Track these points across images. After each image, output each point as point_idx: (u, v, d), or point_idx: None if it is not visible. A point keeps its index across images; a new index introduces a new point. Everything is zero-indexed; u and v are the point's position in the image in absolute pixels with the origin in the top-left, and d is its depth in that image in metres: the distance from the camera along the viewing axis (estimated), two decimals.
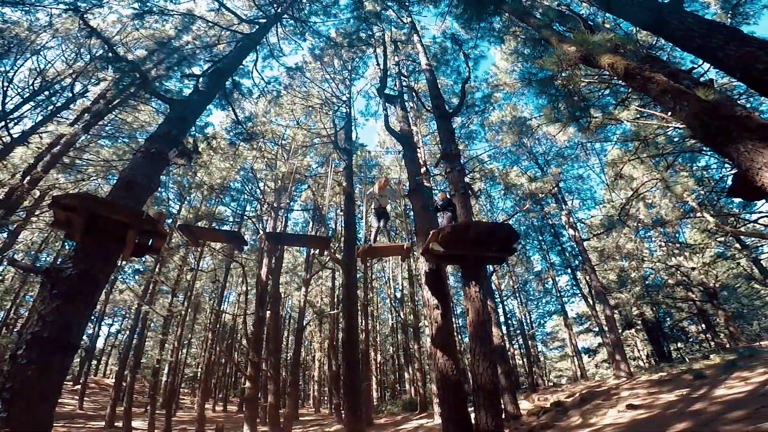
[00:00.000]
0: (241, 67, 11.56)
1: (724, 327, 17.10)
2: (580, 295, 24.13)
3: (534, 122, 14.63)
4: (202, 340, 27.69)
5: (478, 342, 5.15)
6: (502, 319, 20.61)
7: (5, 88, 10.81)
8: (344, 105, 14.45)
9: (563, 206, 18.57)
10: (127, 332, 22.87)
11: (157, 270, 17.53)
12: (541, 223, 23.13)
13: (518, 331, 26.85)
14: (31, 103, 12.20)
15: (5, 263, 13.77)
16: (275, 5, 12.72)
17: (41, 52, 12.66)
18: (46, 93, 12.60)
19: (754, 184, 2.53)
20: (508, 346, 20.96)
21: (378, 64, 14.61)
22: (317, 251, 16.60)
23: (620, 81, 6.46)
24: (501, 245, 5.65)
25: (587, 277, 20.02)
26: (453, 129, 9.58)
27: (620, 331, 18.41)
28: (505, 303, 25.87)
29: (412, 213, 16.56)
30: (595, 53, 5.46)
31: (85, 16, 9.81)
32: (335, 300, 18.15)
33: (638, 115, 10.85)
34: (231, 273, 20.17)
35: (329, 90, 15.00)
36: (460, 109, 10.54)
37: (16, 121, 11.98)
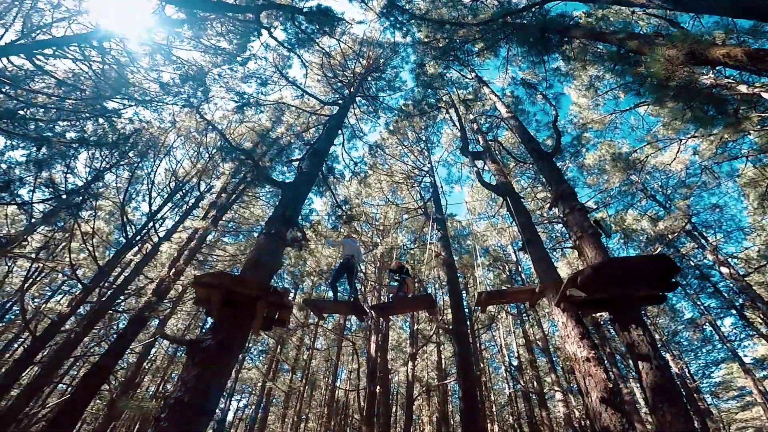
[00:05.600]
0: (331, 151, 12.01)
1: None
2: (756, 335, 19.10)
3: (638, 154, 12.81)
4: (318, 414, 28.51)
5: (657, 392, 4.22)
6: None
7: (150, 190, 11.38)
8: (427, 175, 14.81)
9: (705, 243, 15.46)
10: (253, 407, 24.73)
11: (278, 350, 19.14)
12: (679, 266, 19.32)
13: None
14: (170, 204, 13.46)
15: (156, 338, 15.75)
16: (347, 86, 14.20)
17: (171, 152, 13.51)
18: (180, 193, 13.64)
19: None
20: None
21: (455, 125, 14.67)
22: (419, 326, 16.30)
23: (745, 67, 5.51)
24: (655, 281, 4.85)
25: (761, 315, 16.09)
26: (558, 168, 8.54)
27: None
28: None
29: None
30: (702, 48, 4.99)
31: (199, 109, 10.77)
32: (443, 373, 17.31)
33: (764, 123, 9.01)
34: (342, 352, 20.90)
35: (410, 163, 15.70)
36: (559, 147, 9.51)
37: (160, 221, 12.78)
